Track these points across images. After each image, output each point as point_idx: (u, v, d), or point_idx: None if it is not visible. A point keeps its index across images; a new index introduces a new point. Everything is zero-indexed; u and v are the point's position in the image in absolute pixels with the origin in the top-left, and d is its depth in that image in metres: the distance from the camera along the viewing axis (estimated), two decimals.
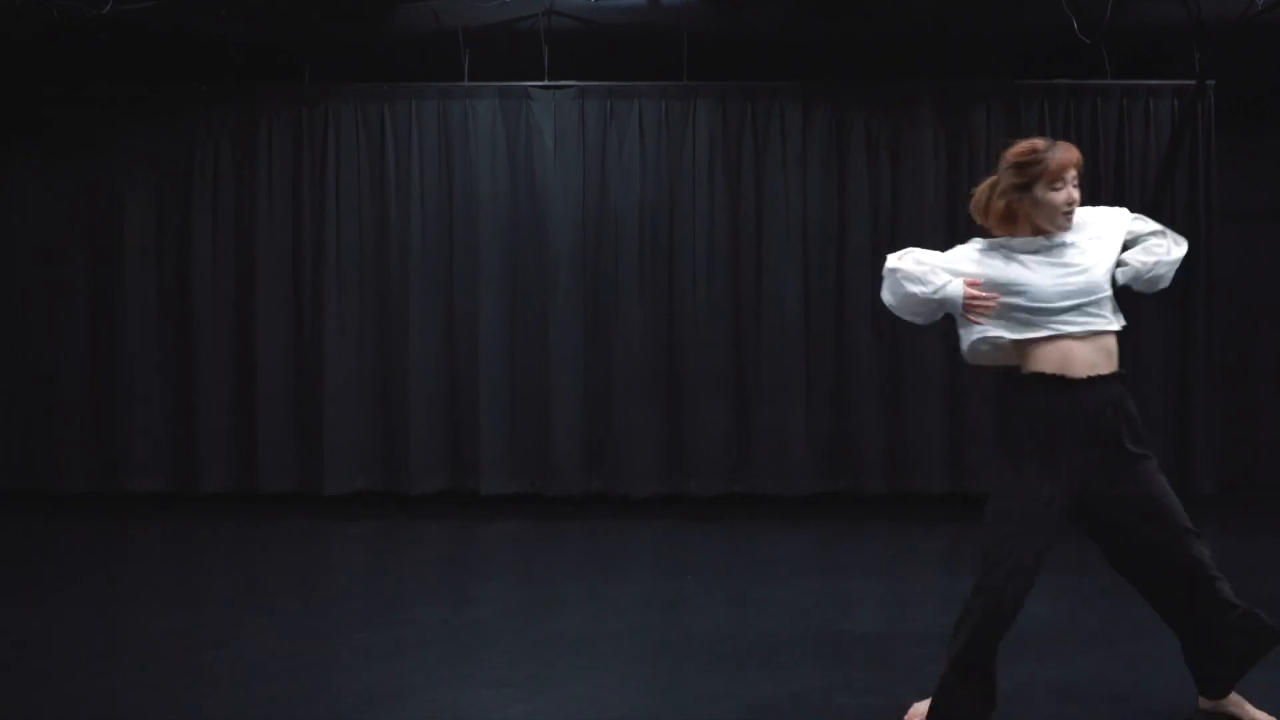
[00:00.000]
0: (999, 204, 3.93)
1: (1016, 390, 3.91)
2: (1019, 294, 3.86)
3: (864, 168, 8.27)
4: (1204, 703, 4.10)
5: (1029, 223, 3.92)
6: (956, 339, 7.88)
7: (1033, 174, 3.86)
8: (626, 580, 6.38)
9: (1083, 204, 3.98)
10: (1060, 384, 3.81)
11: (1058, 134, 8.18)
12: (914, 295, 3.97)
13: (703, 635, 5.23)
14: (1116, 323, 3.92)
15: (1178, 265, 4.04)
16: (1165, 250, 4.00)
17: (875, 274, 8.10)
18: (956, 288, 3.90)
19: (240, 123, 8.35)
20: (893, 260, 4.03)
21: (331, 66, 8.41)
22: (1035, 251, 3.91)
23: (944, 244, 7.94)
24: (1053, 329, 3.83)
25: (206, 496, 8.35)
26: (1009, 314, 3.88)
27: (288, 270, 8.36)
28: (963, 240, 7.99)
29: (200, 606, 5.87)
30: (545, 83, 8.28)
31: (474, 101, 8.32)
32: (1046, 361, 3.85)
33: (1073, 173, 3.86)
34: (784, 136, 8.27)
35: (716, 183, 8.28)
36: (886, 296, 4.08)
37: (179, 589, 6.33)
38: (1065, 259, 3.87)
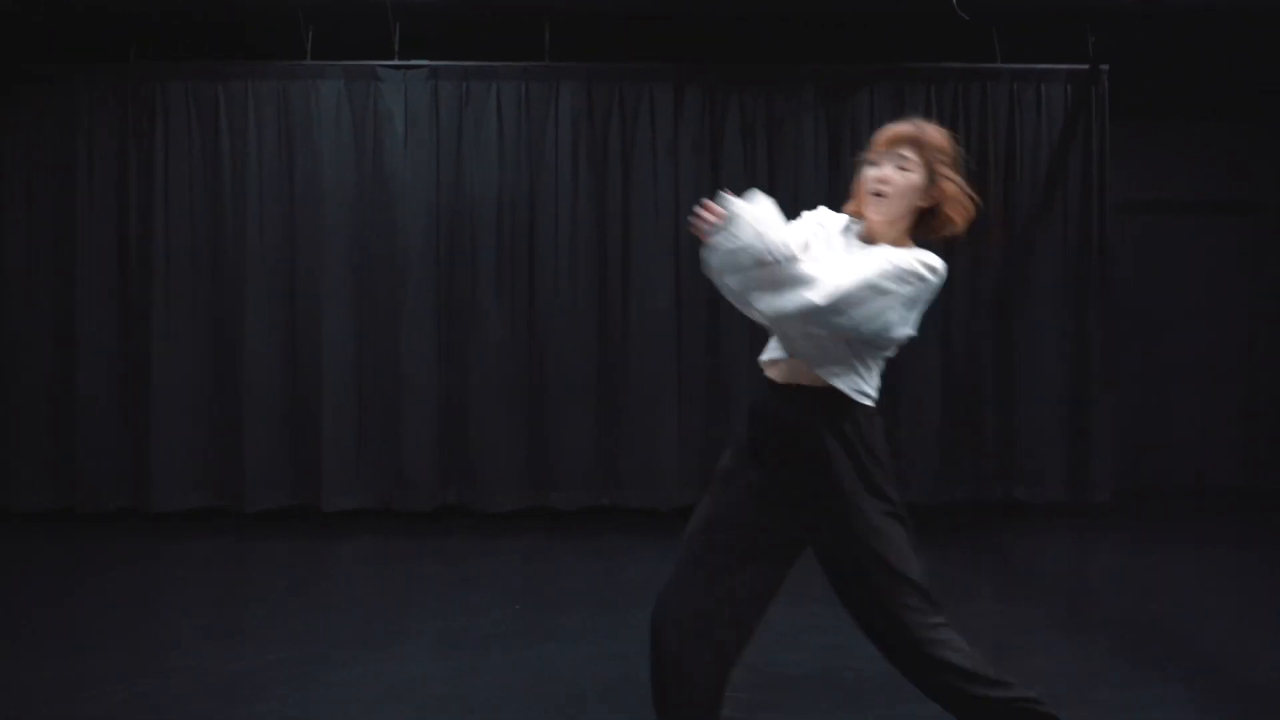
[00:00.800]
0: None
1: None
2: None
3: (739, 154, 7.71)
4: None
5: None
6: None
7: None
8: (472, 609, 5.72)
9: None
10: (769, 386, 3.12)
11: (944, 120, 7.67)
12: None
13: (512, 684, 4.59)
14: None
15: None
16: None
17: None
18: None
19: (57, 106, 7.59)
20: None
21: (161, 44, 7.68)
22: (844, 230, 3.27)
23: None
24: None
25: (22, 515, 7.58)
26: None
27: (112, 270, 7.62)
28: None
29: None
30: (395, 62, 7.62)
31: (317, 82, 7.63)
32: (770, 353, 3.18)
33: (898, 150, 3.13)
34: (654, 121, 7.68)
35: (581, 171, 7.68)
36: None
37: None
38: (851, 253, 3.17)
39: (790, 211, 7.66)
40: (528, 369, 7.66)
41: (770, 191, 7.70)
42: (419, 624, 5.33)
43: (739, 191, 7.60)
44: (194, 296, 7.61)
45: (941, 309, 7.65)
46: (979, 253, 7.51)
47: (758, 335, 7.54)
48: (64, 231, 7.62)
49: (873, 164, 3.16)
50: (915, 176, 3.11)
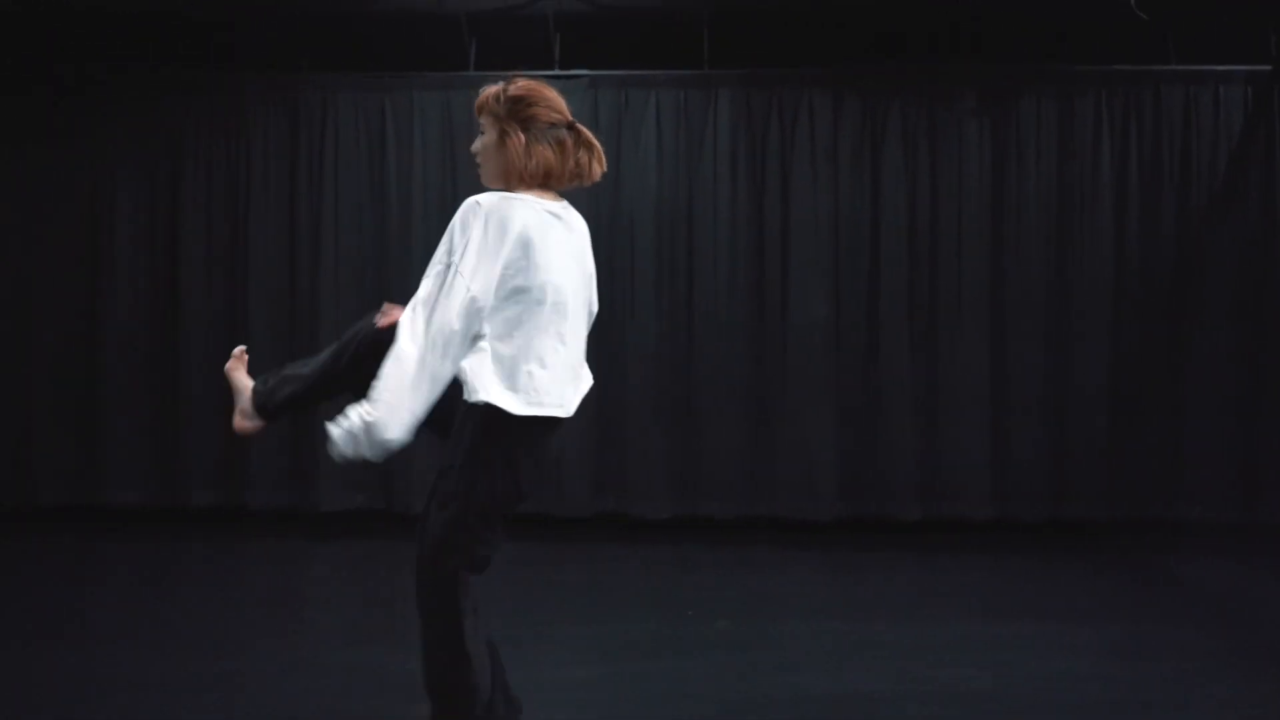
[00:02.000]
0: None
1: None
2: None
3: (900, 161, 7.58)
4: None
5: None
6: (1001, 349, 7.29)
7: None
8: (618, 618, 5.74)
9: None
10: None
11: (1115, 125, 7.49)
12: None
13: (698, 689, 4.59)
14: None
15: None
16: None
17: (912, 278, 7.53)
18: None
19: (231, 115, 7.86)
20: None
21: (328, 55, 7.90)
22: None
23: (988, 246, 7.37)
24: None
25: (193, 511, 7.86)
26: None
27: (284, 274, 7.84)
28: (1010, 242, 7.35)
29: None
30: (555, 72, 7.69)
31: (480, 93, 7.72)
32: None
33: (479, 120, 3.47)
34: (812, 128, 7.60)
35: (739, 178, 7.64)
36: None
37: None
38: None
39: (955, 218, 7.49)
40: (684, 376, 7.65)
41: (932, 199, 7.63)
42: (569, 629, 5.37)
43: (899, 197, 7.49)
44: (360, 297, 7.78)
45: (1111, 316, 7.43)
46: None
47: (917, 344, 7.46)
48: (238, 231, 7.88)
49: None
50: (489, 137, 3.42)
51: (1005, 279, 7.53)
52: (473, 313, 3.21)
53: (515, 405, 3.25)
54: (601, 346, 7.65)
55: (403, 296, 7.59)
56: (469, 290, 3.19)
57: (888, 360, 7.57)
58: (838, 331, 7.61)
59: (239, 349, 3.68)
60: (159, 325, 7.91)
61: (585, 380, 3.51)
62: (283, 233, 7.87)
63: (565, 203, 3.46)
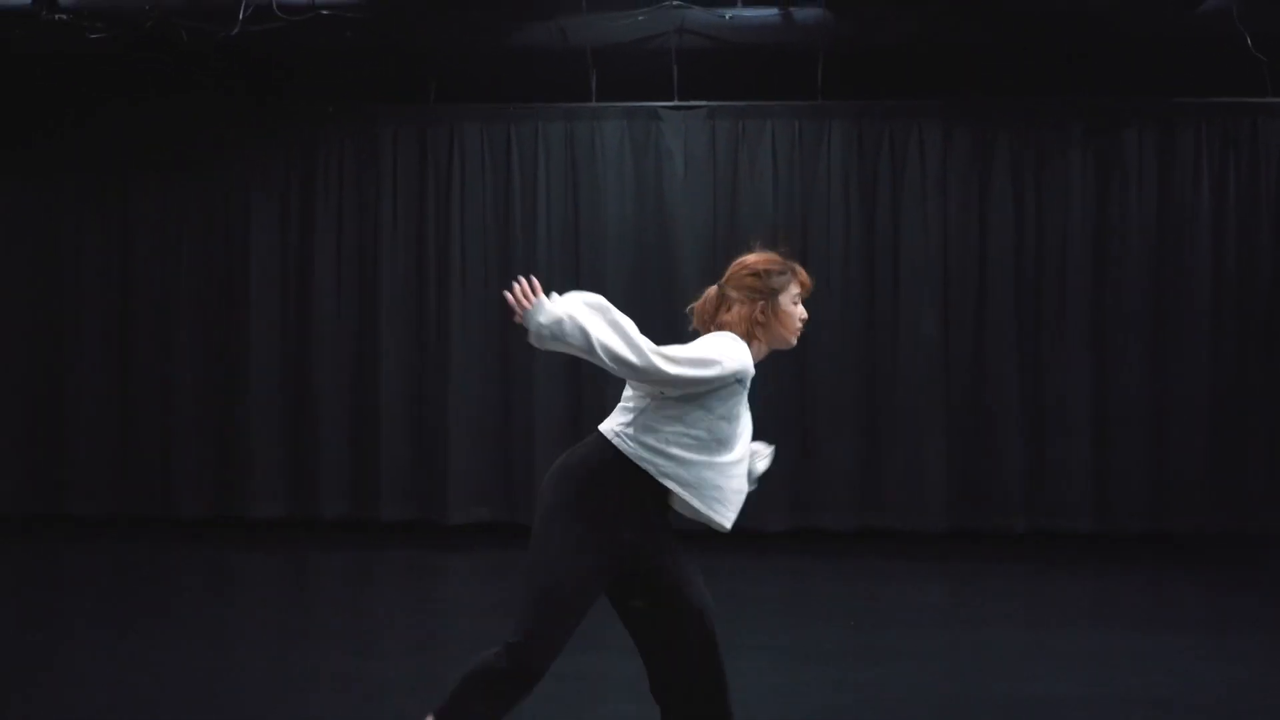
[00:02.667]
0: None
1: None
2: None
3: (1007, 189, 7.92)
4: None
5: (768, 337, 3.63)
6: (1103, 367, 7.60)
7: (780, 283, 3.66)
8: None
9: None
10: None
11: (1214, 155, 7.80)
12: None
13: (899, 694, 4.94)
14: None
15: None
16: None
17: (1018, 299, 7.86)
18: None
19: (363, 142, 8.23)
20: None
21: (457, 85, 8.25)
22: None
23: (1091, 269, 7.68)
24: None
25: (325, 523, 8.22)
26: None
27: (414, 293, 8.21)
28: (1113, 266, 7.66)
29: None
30: (675, 103, 8.04)
31: (601, 123, 8.10)
32: None
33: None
34: (923, 157, 7.96)
35: (851, 205, 7.99)
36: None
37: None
38: None
39: (1060, 245, 7.85)
40: (798, 392, 7.98)
41: (1038, 225, 7.98)
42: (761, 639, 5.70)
43: (1007, 223, 7.83)
44: (485, 319, 8.13)
45: (1209, 336, 7.75)
46: None
47: (1025, 360, 7.78)
48: (367, 254, 8.25)
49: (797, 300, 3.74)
50: None
51: (1107, 301, 7.86)
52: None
53: None
54: None
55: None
56: None
57: (995, 378, 7.91)
58: (946, 350, 7.94)
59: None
60: (293, 345, 8.28)
61: None
62: (411, 257, 8.23)
63: None
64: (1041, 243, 7.92)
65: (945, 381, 7.94)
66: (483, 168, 8.18)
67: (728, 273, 3.71)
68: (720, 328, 3.59)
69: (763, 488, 7.86)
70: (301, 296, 8.28)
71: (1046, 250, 7.91)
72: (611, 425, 3.45)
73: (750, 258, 3.71)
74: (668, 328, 7.92)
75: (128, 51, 8.02)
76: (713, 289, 3.70)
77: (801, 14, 7.74)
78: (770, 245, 3.80)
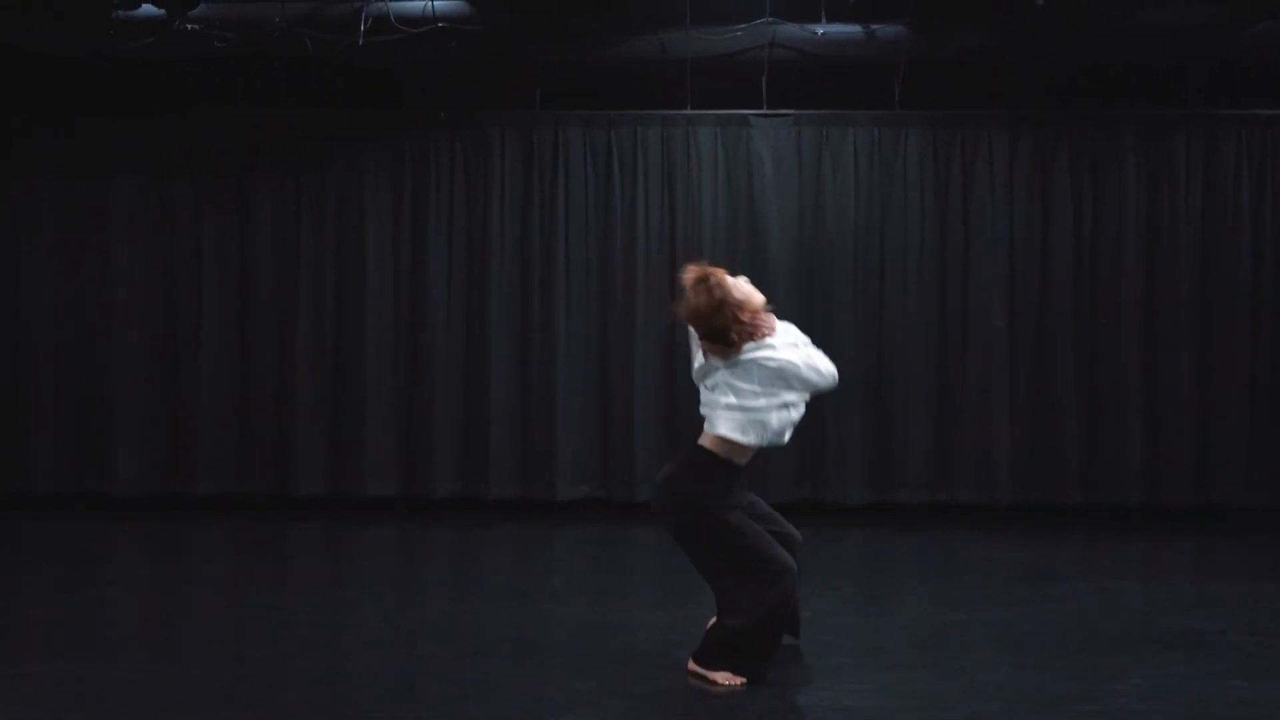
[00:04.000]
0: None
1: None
2: None
3: (1068, 193, 8.68)
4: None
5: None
6: (1154, 354, 8.40)
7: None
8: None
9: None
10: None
11: (1253, 161, 8.60)
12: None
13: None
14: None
15: None
16: None
17: (1077, 293, 8.62)
18: None
19: (474, 147, 8.81)
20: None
21: (561, 93, 8.86)
22: None
23: (1143, 265, 8.44)
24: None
25: (435, 501, 8.79)
26: None
27: (518, 291, 8.81)
28: (1163, 262, 8.43)
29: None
30: (764, 111, 8.71)
31: (695, 129, 8.76)
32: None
33: None
34: (991, 163, 8.69)
35: (927, 206, 8.71)
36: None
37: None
38: None
39: (1115, 244, 8.60)
40: (876, 378, 8.70)
41: (1095, 224, 8.78)
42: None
43: (1067, 223, 8.59)
44: (587, 318, 8.77)
45: (1248, 326, 8.56)
46: None
47: (1081, 352, 8.54)
48: (476, 252, 8.84)
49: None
50: None
51: (1158, 293, 8.65)
52: None
53: None
54: None
55: (625, 312, 8.56)
56: None
57: (1055, 364, 8.66)
58: (1012, 338, 8.69)
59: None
60: (406, 337, 8.85)
61: None
62: (516, 256, 8.83)
63: None
64: (1098, 241, 8.68)
65: (1010, 368, 8.68)
66: (585, 172, 8.79)
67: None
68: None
69: (843, 466, 8.58)
70: (413, 300, 8.85)
71: (1102, 248, 8.67)
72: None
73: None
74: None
75: (254, 60, 8.57)
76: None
77: (883, 30, 8.44)
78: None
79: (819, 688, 4.90)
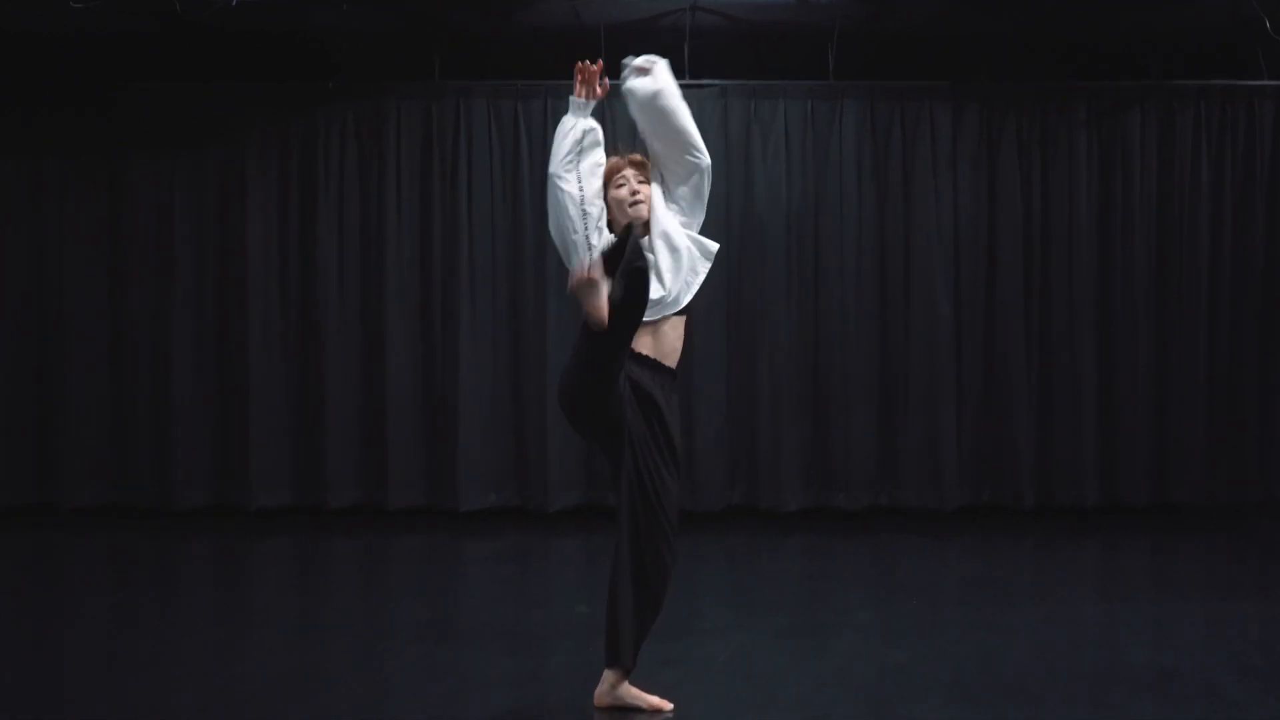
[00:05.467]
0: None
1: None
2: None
3: (1015, 170, 8.05)
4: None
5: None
6: (1109, 343, 7.79)
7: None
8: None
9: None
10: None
11: (1212, 136, 8.01)
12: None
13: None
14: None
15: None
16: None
17: (1027, 278, 7.98)
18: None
19: (368, 120, 8.02)
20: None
21: (464, 62, 8.08)
22: None
23: (1097, 251, 7.85)
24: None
25: (333, 511, 8.02)
26: None
27: (416, 275, 8.03)
28: (1116, 244, 7.83)
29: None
30: (686, 81, 7.92)
31: (613, 100, 7.96)
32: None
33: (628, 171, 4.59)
34: (933, 137, 8.03)
35: (864, 184, 8.04)
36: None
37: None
38: None
39: (1066, 223, 8.03)
40: (812, 371, 8.02)
41: (1044, 205, 8.16)
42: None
43: (1014, 203, 7.97)
44: (494, 300, 8.02)
45: (1207, 311, 7.98)
46: None
47: (1032, 339, 7.92)
48: (371, 241, 8.05)
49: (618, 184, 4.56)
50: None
51: (1112, 277, 8.04)
52: None
53: None
54: (733, 342, 8.03)
55: (536, 301, 7.84)
56: None
57: (1004, 354, 8.04)
58: (957, 327, 8.05)
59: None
60: (295, 330, 8.05)
61: None
62: (415, 236, 8.05)
63: None
64: (1049, 222, 8.06)
65: (956, 359, 8.05)
66: (490, 147, 8.03)
67: None
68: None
69: (777, 468, 7.92)
70: (304, 281, 8.05)
71: (1053, 229, 8.05)
72: None
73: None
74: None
75: (119, 28, 7.73)
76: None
77: None
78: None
79: None
